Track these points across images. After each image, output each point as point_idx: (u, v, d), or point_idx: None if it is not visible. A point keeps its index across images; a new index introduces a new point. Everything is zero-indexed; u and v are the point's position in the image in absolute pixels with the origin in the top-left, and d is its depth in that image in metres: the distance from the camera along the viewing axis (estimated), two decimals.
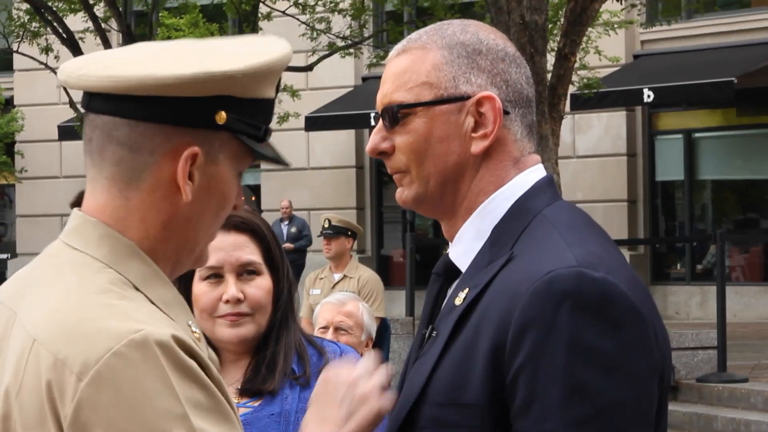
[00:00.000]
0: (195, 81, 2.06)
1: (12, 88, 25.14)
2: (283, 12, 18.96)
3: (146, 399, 1.94)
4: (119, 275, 2.06)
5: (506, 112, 2.24)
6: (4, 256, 25.52)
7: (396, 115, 2.26)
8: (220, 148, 2.12)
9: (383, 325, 10.08)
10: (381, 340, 10.28)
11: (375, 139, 2.29)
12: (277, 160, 2.23)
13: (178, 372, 1.95)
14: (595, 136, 21.22)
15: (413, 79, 2.26)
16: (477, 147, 2.23)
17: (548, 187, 2.28)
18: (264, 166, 23.17)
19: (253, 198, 24.27)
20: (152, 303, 2.06)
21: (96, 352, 1.93)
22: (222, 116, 2.09)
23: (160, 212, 2.10)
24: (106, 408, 1.92)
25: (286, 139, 22.11)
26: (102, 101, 2.10)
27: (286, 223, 21.13)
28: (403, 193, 2.29)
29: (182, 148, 2.07)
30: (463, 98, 2.24)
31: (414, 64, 2.27)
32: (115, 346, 1.93)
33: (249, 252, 3.14)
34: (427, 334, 2.28)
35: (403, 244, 22.36)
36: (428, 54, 2.27)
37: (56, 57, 18.97)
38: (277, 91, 2.36)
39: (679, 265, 21.44)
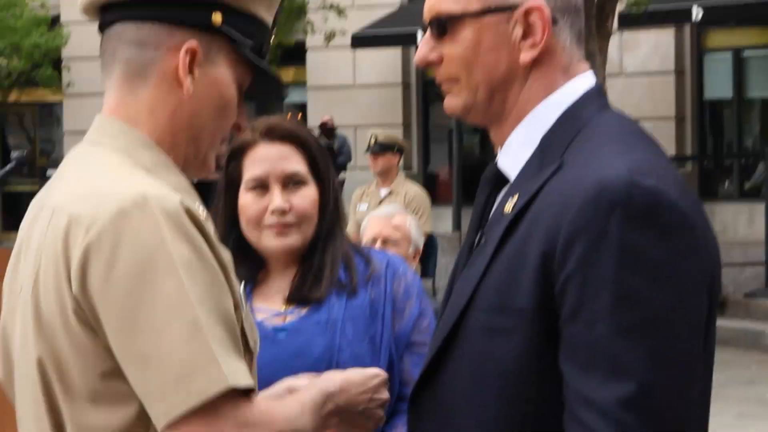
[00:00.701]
0: None
1: (59, 5, 25.18)
2: None
3: (142, 250, 2.12)
4: (133, 161, 2.26)
5: (555, 21, 2.23)
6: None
7: (444, 26, 2.26)
8: (219, 52, 2.34)
9: (430, 241, 10.11)
10: (427, 255, 10.34)
11: (423, 49, 2.30)
12: (274, 83, 2.49)
13: (175, 231, 2.13)
14: (643, 54, 21.11)
15: None
16: (526, 56, 2.23)
17: (598, 95, 2.27)
18: (310, 83, 23.32)
19: (300, 115, 24.30)
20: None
21: (104, 209, 2.14)
22: (217, 17, 2.31)
23: (166, 105, 2.32)
24: (106, 255, 2.12)
25: (333, 57, 22.11)
26: (111, 12, 2.35)
27: (324, 128, 21.07)
28: (451, 102, 2.30)
29: (182, 43, 2.29)
30: (511, 8, 2.23)
31: None
32: (121, 205, 2.13)
33: (294, 162, 3.15)
34: (476, 242, 2.29)
35: (450, 162, 22.40)
36: None
37: None
38: (276, 20, 2.47)
39: (726, 183, 21.36)
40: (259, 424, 2.15)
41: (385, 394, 2.40)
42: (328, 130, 20.24)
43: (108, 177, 2.23)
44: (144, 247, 2.13)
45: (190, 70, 2.29)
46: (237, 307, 2.24)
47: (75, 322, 2.17)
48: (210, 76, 2.33)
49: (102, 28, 2.36)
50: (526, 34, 2.23)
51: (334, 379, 2.36)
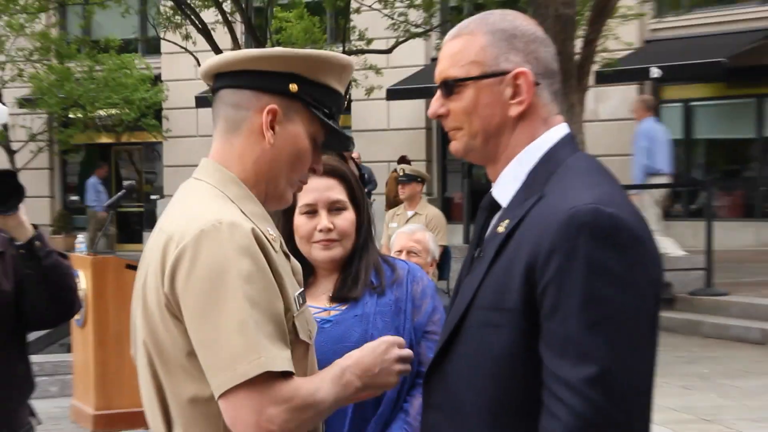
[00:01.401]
0: (272, 56, 2.37)
1: (160, 67, 25.29)
2: (370, 7, 18.87)
3: (213, 263, 2.18)
4: (223, 194, 2.31)
5: (537, 83, 2.23)
6: (155, 196, 25.76)
7: (451, 87, 2.27)
8: (296, 112, 2.38)
9: (445, 251, 10.12)
10: (443, 262, 10.32)
11: (435, 105, 2.30)
12: (344, 139, 2.51)
13: (239, 249, 2.19)
14: (614, 104, 21.05)
15: (464, 58, 2.26)
16: (514, 111, 2.23)
17: (570, 141, 2.27)
18: (354, 127, 23.32)
19: (358, 155, 24.33)
20: (243, 213, 2.29)
21: (190, 230, 2.21)
22: (294, 87, 2.36)
23: (252, 152, 2.36)
24: (187, 265, 2.19)
25: (372, 107, 22.13)
26: (218, 80, 2.42)
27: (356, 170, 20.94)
28: (456, 146, 2.31)
29: (266, 106, 2.34)
30: (504, 73, 2.22)
31: (465, 46, 2.27)
32: (202, 226, 2.20)
33: (337, 192, 3.14)
34: (476, 255, 2.29)
35: (462, 189, 22.41)
36: (476, 38, 2.26)
37: (193, 42, 19.06)
38: (348, 88, 2.52)
39: (677, 206, 21.31)
40: (289, 399, 2.17)
41: (393, 353, 2.38)
42: (355, 164, 20.31)
43: (199, 205, 2.29)
44: (214, 261, 2.18)
45: (271, 127, 2.34)
46: (288, 308, 2.27)
47: (167, 313, 2.23)
48: (288, 131, 2.36)
49: (213, 93, 2.44)
50: (514, 94, 2.22)
51: (350, 355, 2.36)
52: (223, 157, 2.38)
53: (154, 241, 2.30)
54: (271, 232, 2.33)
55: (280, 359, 2.17)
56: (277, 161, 2.37)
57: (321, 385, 2.26)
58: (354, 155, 21.12)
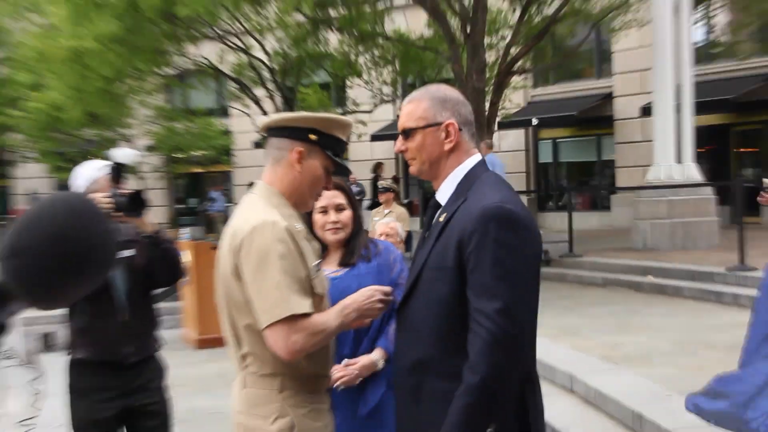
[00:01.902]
0: (300, 117, 2.36)
1: (230, 124, 25.12)
2: (358, 85, 18.78)
3: (261, 247, 2.17)
4: (269, 202, 2.30)
5: (460, 129, 2.23)
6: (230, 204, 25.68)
7: (408, 133, 2.26)
8: (315, 153, 2.36)
9: (409, 235, 10.07)
10: (408, 241, 10.28)
11: (398, 144, 2.30)
12: (345, 169, 2.48)
13: (278, 238, 2.18)
14: (509, 142, 21.06)
15: (414, 115, 2.25)
16: (447, 147, 2.22)
17: (483, 164, 2.27)
18: (351, 158, 23.23)
19: (353, 178, 24.28)
20: (281, 215, 2.26)
21: (248, 226, 2.21)
22: (313, 136, 2.34)
23: (287, 177, 2.35)
24: (246, 246, 2.19)
25: (361, 146, 22.02)
26: (269, 132, 2.40)
27: (351, 184, 20.86)
28: (413, 169, 2.30)
29: (296, 148, 2.32)
30: (439, 123, 2.22)
31: (415, 108, 2.26)
32: (254, 224, 2.20)
33: (340, 198, 3.12)
34: (426, 236, 2.28)
35: (418, 195, 22.39)
36: (421, 103, 2.25)
37: (248, 107, 19.00)
38: (348, 139, 2.47)
39: (550, 203, 21.29)
40: (306, 328, 2.17)
41: (376, 296, 2.35)
42: (351, 182, 20.37)
43: (253, 211, 2.27)
44: (262, 245, 2.18)
45: (299, 161, 2.33)
46: (309, 274, 2.26)
47: (234, 276, 2.23)
48: (309, 164, 2.35)
49: (265, 139, 2.42)
50: (446, 136, 2.22)
51: (349, 297, 2.35)
52: (270, 180, 2.36)
53: (227, 233, 2.29)
54: (298, 226, 2.30)
55: (301, 305, 2.17)
56: (302, 183, 2.35)
57: (328, 317, 2.25)
58: (351, 177, 21.19)
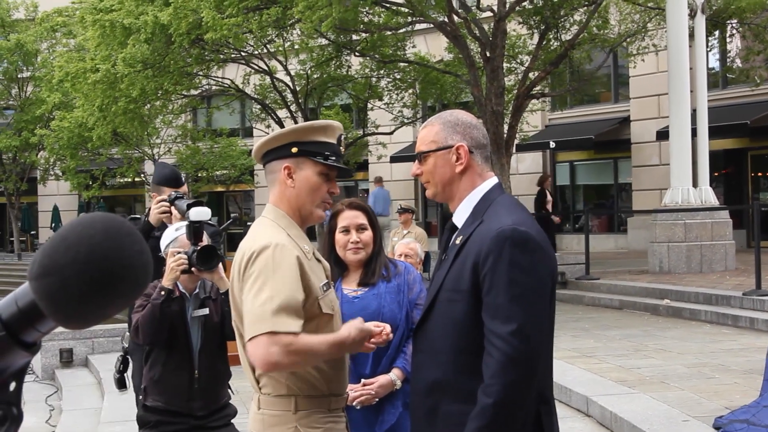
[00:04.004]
0: (275, 137, 2.34)
1: (253, 144, 25.23)
2: (379, 107, 18.88)
3: (263, 264, 2.16)
4: (277, 225, 2.28)
5: (471, 152, 2.22)
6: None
7: (422, 157, 2.26)
8: (304, 163, 2.32)
9: (427, 255, 10.07)
10: (426, 261, 10.28)
11: (414, 168, 2.30)
12: (345, 168, 2.39)
13: (281, 258, 2.16)
14: (527, 165, 21.00)
15: (427, 139, 2.25)
16: (458, 169, 2.21)
17: (499, 187, 2.26)
18: (370, 179, 23.28)
19: (364, 194, 24.34)
20: (289, 235, 2.25)
21: (255, 246, 2.20)
22: (294, 149, 2.31)
23: (285, 194, 2.33)
24: (248, 271, 2.18)
25: (382, 167, 22.06)
26: (263, 158, 2.38)
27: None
28: (428, 192, 2.30)
29: (284, 165, 2.31)
30: (451, 146, 2.22)
31: (429, 132, 2.26)
32: (264, 245, 2.19)
33: (361, 219, 3.12)
34: (443, 258, 2.28)
35: (436, 216, 22.35)
36: (434, 127, 2.25)
37: (271, 129, 19.12)
38: (340, 139, 2.38)
39: (567, 225, 21.21)
40: (288, 345, 2.11)
41: (365, 336, 2.26)
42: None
43: (261, 232, 2.27)
44: (264, 264, 2.17)
45: (290, 176, 2.30)
46: (309, 295, 2.22)
47: (240, 292, 2.23)
48: (301, 176, 2.31)
49: (262, 164, 2.41)
50: (457, 159, 2.21)
51: (346, 330, 2.24)
52: (275, 201, 2.34)
53: (237, 252, 2.28)
54: (305, 247, 2.28)
55: (286, 324, 2.11)
56: (300, 195, 2.31)
57: (320, 342, 2.18)
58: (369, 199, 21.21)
